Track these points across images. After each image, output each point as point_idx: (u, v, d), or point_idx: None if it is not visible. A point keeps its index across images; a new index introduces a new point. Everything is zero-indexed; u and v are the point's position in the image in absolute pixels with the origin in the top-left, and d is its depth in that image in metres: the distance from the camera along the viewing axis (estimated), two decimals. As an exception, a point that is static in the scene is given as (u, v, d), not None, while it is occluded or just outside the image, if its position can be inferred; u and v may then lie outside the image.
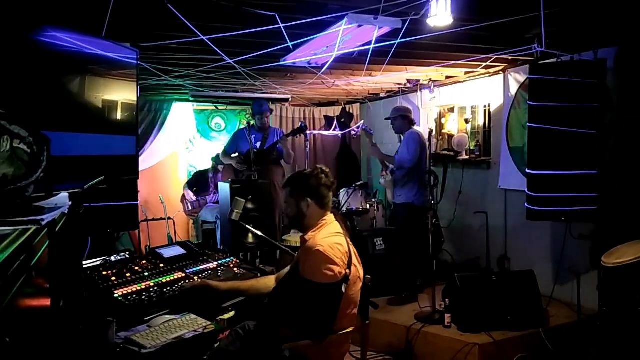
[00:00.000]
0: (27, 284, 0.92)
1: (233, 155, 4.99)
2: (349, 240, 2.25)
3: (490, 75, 4.89)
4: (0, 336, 0.67)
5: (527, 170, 3.71)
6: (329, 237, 2.18)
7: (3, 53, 1.74)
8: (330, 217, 2.31)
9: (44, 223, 0.90)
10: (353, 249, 2.25)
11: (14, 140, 0.97)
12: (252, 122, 5.36)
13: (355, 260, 2.22)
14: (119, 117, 2.65)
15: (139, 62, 2.86)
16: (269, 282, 2.44)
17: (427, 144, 4.25)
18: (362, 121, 5.33)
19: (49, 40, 2.11)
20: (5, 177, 0.94)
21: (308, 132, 6.62)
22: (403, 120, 4.72)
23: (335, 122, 6.96)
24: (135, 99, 2.75)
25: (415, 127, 4.84)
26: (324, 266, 2.04)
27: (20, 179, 0.98)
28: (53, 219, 0.99)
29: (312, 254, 2.07)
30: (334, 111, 7.22)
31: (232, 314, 2.32)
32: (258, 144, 4.96)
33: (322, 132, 7.01)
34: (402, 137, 4.75)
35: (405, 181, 4.58)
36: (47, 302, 1.18)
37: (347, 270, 2.11)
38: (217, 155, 5.55)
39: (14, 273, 0.77)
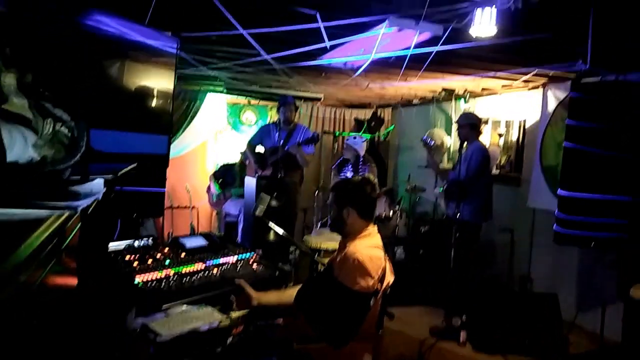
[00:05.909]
0: (57, 264, 0.93)
1: (257, 150, 4.96)
2: (386, 255, 2.25)
3: (528, 90, 4.78)
4: (29, 319, 0.68)
5: (559, 191, 3.61)
6: (369, 248, 2.20)
7: (50, 34, 1.77)
8: (373, 229, 2.33)
9: (79, 210, 0.91)
10: (389, 264, 2.27)
11: (56, 123, 0.98)
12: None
13: (389, 273, 2.24)
14: (154, 105, 2.68)
15: (178, 52, 2.89)
16: (294, 294, 2.42)
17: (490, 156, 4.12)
18: (426, 135, 4.98)
19: (93, 24, 2.14)
20: (45, 159, 0.95)
21: (337, 132, 6.63)
22: (471, 129, 4.32)
23: (365, 125, 6.91)
24: (172, 87, 2.78)
25: (481, 139, 4.45)
26: (359, 275, 2.07)
27: (58, 162, 0.99)
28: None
29: (351, 261, 2.09)
30: (365, 114, 7.17)
31: (246, 311, 2.32)
32: (281, 142, 4.90)
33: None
34: (465, 148, 4.22)
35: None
36: (74, 281, 1.20)
37: (379, 285, 2.13)
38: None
39: (46, 256, 0.77)
